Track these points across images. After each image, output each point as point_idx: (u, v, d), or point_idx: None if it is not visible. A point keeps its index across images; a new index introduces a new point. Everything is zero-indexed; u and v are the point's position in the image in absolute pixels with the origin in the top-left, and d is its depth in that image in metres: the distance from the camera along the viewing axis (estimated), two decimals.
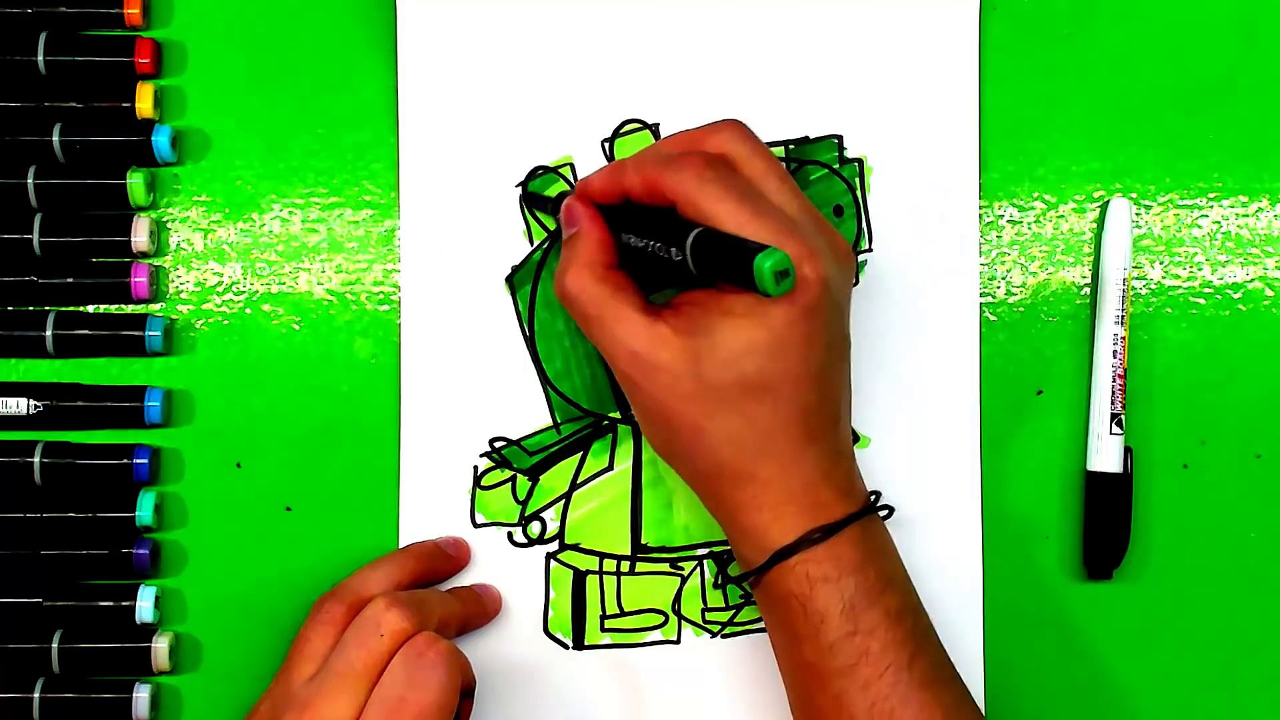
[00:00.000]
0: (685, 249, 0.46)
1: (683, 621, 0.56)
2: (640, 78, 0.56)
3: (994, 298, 0.57)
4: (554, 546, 0.56)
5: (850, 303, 0.50)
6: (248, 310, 0.56)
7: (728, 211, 0.46)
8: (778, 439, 0.48)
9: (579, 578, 0.56)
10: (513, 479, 0.56)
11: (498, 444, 0.56)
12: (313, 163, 0.56)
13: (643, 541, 0.56)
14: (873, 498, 0.50)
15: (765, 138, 0.56)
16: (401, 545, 0.55)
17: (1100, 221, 0.57)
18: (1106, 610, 0.56)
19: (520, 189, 0.56)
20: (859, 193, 0.56)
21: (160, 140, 0.55)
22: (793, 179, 0.49)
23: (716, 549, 0.56)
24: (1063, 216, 0.57)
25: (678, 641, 0.56)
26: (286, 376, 0.56)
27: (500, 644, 0.56)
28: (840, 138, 0.56)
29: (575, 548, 0.56)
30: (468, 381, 0.56)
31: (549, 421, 0.56)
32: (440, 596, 0.53)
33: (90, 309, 0.56)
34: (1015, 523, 0.56)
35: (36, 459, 0.54)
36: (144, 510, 0.55)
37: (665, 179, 0.48)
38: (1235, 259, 0.57)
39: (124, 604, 0.54)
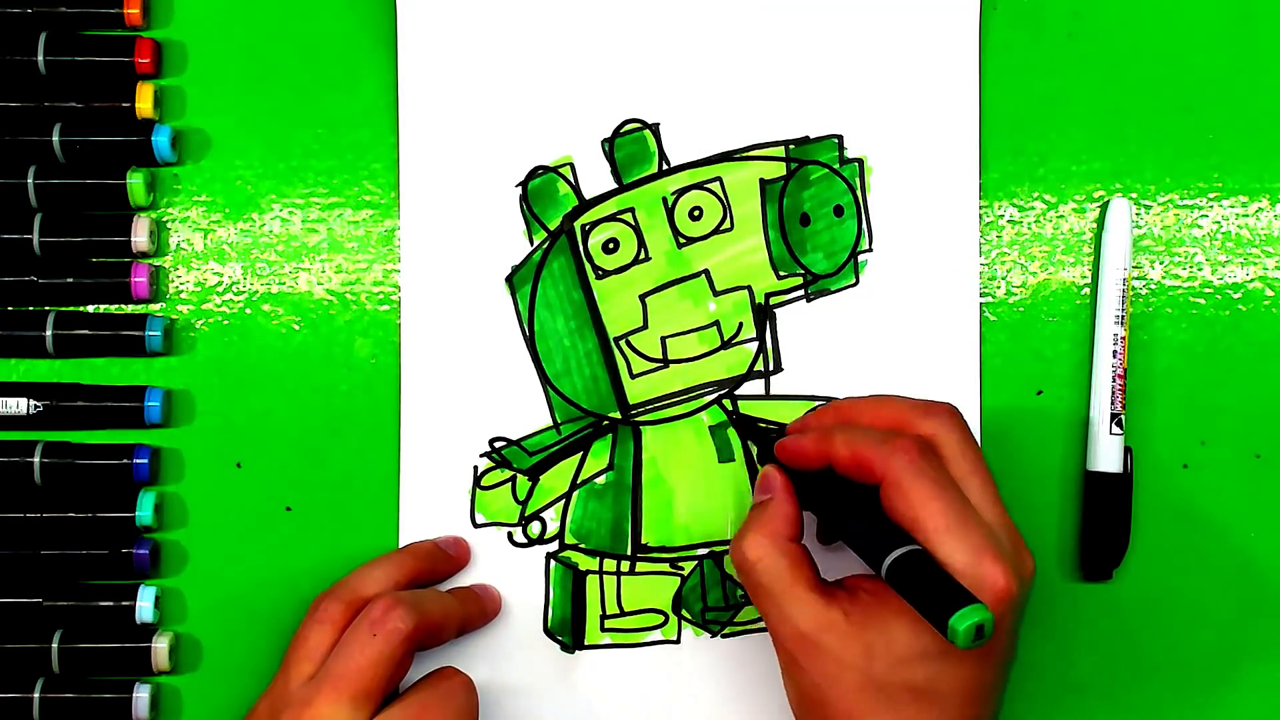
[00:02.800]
0: (881, 568, 0.45)
1: (683, 621, 0.56)
2: (640, 78, 0.56)
3: (994, 298, 0.57)
4: (554, 546, 0.56)
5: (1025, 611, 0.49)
6: (248, 310, 0.56)
7: (934, 513, 0.46)
8: None
9: (579, 578, 0.56)
10: (513, 479, 0.56)
11: (498, 444, 0.56)
12: (313, 163, 0.56)
13: (643, 541, 0.56)
14: None
15: (765, 138, 0.56)
16: (401, 545, 0.55)
17: (1100, 221, 0.57)
18: (1106, 610, 0.56)
19: (520, 190, 0.56)
20: (859, 193, 0.56)
21: (160, 140, 0.55)
22: (994, 481, 0.48)
23: (717, 549, 0.56)
24: (1063, 216, 0.57)
25: (678, 641, 0.56)
26: (286, 376, 0.56)
27: (500, 644, 0.56)
28: (840, 138, 0.56)
29: (575, 548, 0.56)
30: (468, 381, 0.56)
31: (549, 421, 0.56)
32: (440, 596, 0.53)
33: (90, 309, 0.56)
34: (1015, 523, 0.56)
35: (36, 459, 0.54)
36: (144, 510, 0.55)
37: (876, 460, 0.47)
38: (1235, 259, 0.57)
39: (124, 604, 0.54)
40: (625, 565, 0.56)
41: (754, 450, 0.56)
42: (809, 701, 0.48)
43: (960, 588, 0.44)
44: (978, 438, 0.56)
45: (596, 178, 0.56)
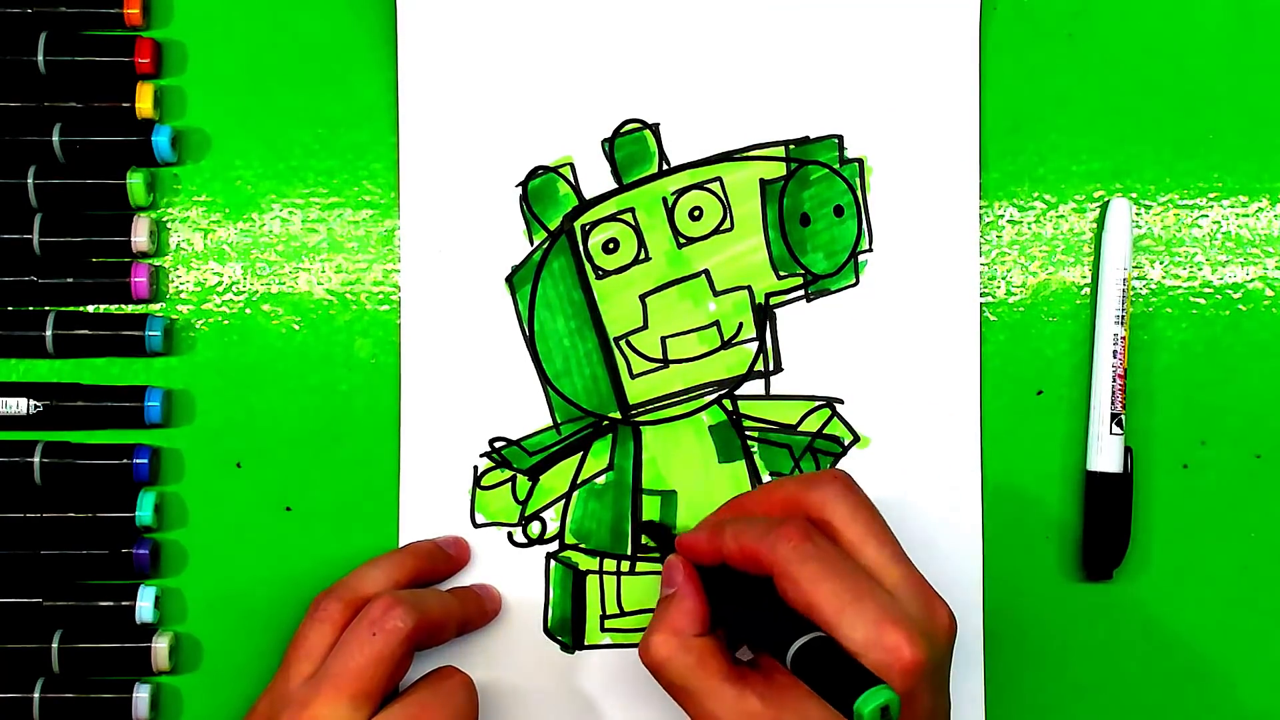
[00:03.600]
0: (786, 659, 0.45)
1: None
2: (640, 78, 0.56)
3: (994, 298, 0.57)
4: (554, 546, 0.56)
5: (949, 673, 0.48)
6: (248, 310, 0.56)
7: (826, 594, 0.45)
8: None
9: (579, 578, 0.56)
10: (513, 479, 0.56)
11: (498, 444, 0.56)
12: (313, 163, 0.56)
13: (643, 541, 0.56)
14: None
15: (765, 138, 0.56)
16: (401, 545, 0.55)
17: (1100, 221, 0.57)
18: (1106, 610, 0.56)
19: (520, 190, 0.56)
20: (859, 193, 0.56)
21: (160, 140, 0.55)
22: (893, 536, 0.48)
23: None
24: (1063, 216, 0.57)
25: None
26: (286, 376, 0.56)
27: (500, 644, 0.56)
28: (840, 138, 0.56)
29: (575, 548, 0.56)
30: (468, 381, 0.56)
31: (549, 421, 0.56)
32: (439, 596, 0.53)
33: (90, 309, 0.56)
34: (1015, 523, 0.56)
35: (36, 459, 0.54)
36: (144, 510, 0.55)
37: (763, 552, 0.47)
38: (1235, 259, 0.57)
39: (124, 604, 0.54)
40: (625, 565, 0.56)
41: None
42: None
43: (861, 671, 0.43)
44: (978, 437, 0.56)
45: (596, 178, 0.56)
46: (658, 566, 0.56)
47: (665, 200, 0.56)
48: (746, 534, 0.48)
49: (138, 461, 0.55)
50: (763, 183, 0.56)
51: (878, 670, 0.44)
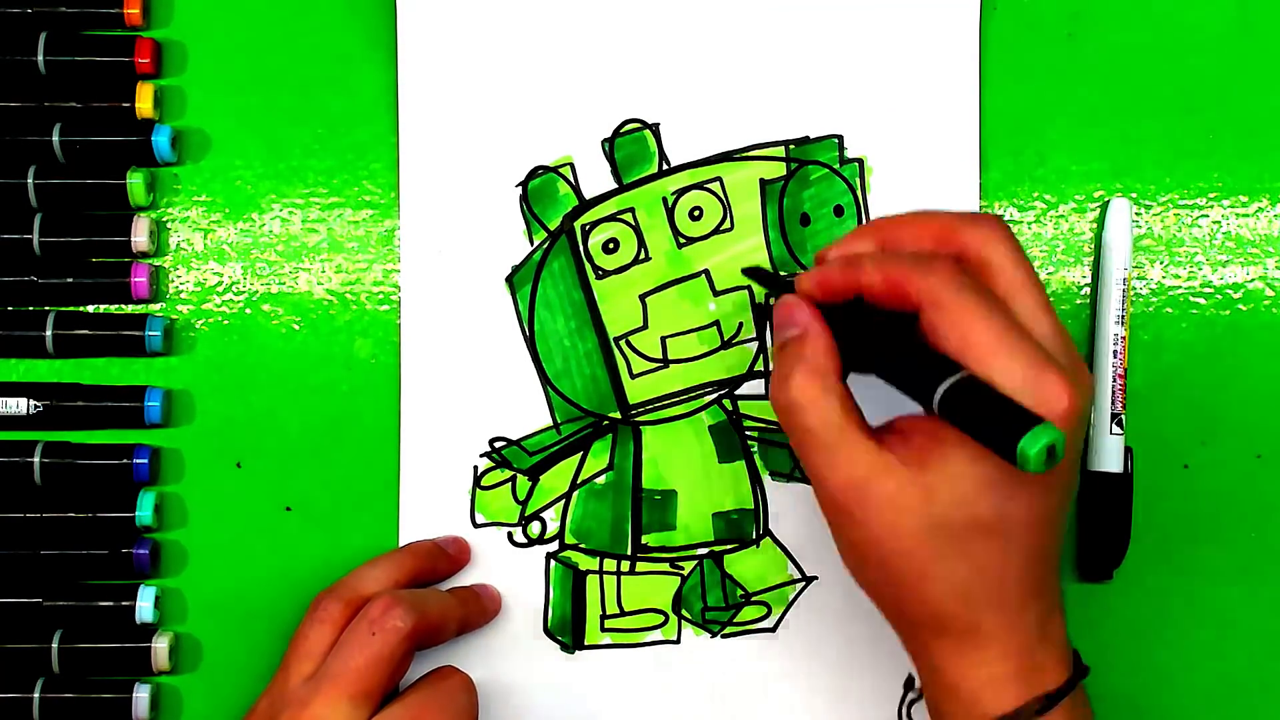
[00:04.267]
0: (933, 401, 0.41)
1: (683, 621, 0.56)
2: (640, 78, 0.56)
3: None
4: (554, 546, 0.56)
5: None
6: (248, 310, 0.56)
7: (981, 332, 0.42)
8: (1006, 589, 0.43)
9: (579, 578, 0.56)
10: (513, 479, 0.56)
11: (498, 444, 0.56)
12: (313, 163, 0.56)
13: (643, 541, 0.56)
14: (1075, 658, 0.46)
15: (765, 138, 0.56)
16: (401, 545, 0.55)
17: (1100, 221, 0.57)
18: (1106, 610, 0.56)
19: (520, 190, 0.56)
20: (859, 193, 0.56)
21: (160, 140, 0.55)
22: (1043, 288, 0.45)
23: (716, 549, 0.56)
24: (1063, 216, 0.57)
25: (678, 641, 0.56)
26: (286, 376, 0.56)
27: (500, 644, 0.56)
28: (840, 138, 0.56)
29: (575, 548, 0.56)
30: (468, 381, 0.56)
31: (549, 421, 0.56)
32: (439, 595, 0.53)
33: (90, 309, 0.56)
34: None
35: (36, 459, 0.54)
36: (144, 510, 0.55)
37: (912, 281, 0.43)
38: (1235, 259, 0.57)
39: (124, 604, 0.54)
40: (625, 565, 0.56)
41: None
42: (866, 555, 0.44)
43: (1023, 410, 0.40)
44: None
45: (596, 178, 0.56)
46: (658, 566, 0.56)
47: (665, 200, 0.56)
48: (895, 265, 0.44)
49: (138, 461, 0.55)
50: (763, 183, 0.56)
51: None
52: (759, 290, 0.56)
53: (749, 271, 0.54)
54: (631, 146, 0.56)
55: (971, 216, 0.46)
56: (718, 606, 0.56)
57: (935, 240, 0.45)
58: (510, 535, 0.56)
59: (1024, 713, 0.44)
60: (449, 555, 0.55)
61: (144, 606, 0.54)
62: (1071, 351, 0.44)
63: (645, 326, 0.56)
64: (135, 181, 0.55)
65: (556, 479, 0.56)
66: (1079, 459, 0.45)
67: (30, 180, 0.55)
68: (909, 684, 0.52)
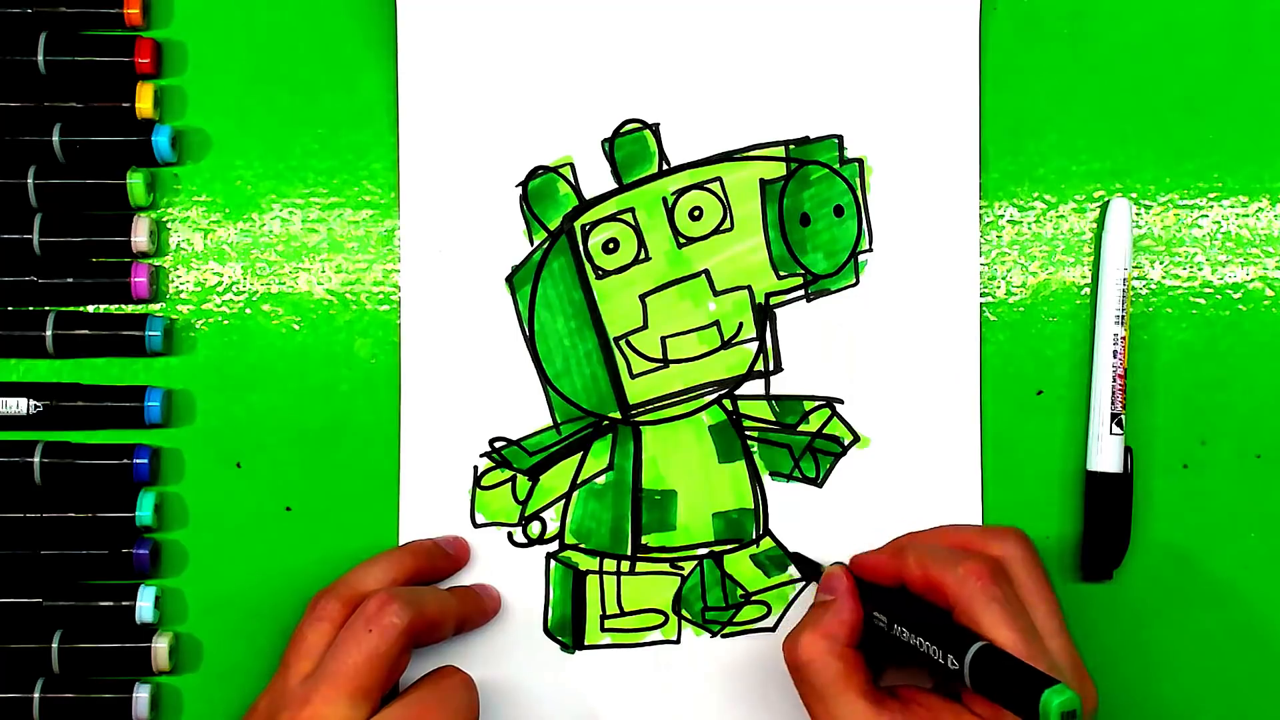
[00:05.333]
0: (964, 662, 0.45)
1: (683, 621, 0.56)
2: (640, 78, 0.56)
3: (994, 298, 0.57)
4: (554, 546, 0.56)
5: None
6: (248, 310, 0.56)
7: (1005, 639, 0.46)
8: None
9: (579, 578, 0.56)
10: (513, 479, 0.56)
11: (498, 444, 0.56)
12: (313, 163, 0.56)
13: (643, 541, 0.56)
14: None
15: (765, 138, 0.56)
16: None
17: (1100, 221, 0.57)
18: (1106, 610, 0.56)
19: (520, 190, 0.56)
20: (859, 193, 0.56)
21: (160, 140, 0.55)
22: (1060, 608, 0.49)
23: (716, 549, 0.56)
24: (1063, 216, 0.57)
25: (678, 641, 0.56)
26: (286, 376, 0.56)
27: (500, 644, 0.56)
28: (840, 138, 0.56)
29: (575, 548, 0.56)
30: (468, 381, 0.56)
31: (549, 421, 0.56)
32: (437, 593, 0.53)
33: (90, 309, 0.56)
34: (1015, 522, 0.56)
35: (36, 459, 0.54)
36: (144, 510, 0.55)
37: (948, 581, 0.48)
38: (1235, 259, 0.57)
39: (124, 604, 0.54)
40: (625, 565, 0.56)
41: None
42: None
43: (1041, 675, 0.43)
44: (978, 437, 0.56)
45: (596, 178, 0.56)
46: (658, 566, 0.56)
47: (665, 200, 0.56)
48: (933, 561, 0.49)
49: (138, 461, 0.55)
50: (763, 183, 0.56)
51: None
52: (759, 290, 0.56)
53: (793, 557, 0.56)
54: (631, 146, 0.56)
55: (993, 530, 0.52)
56: (718, 606, 0.56)
57: (965, 547, 0.51)
58: (510, 535, 0.56)
59: None
60: (449, 554, 0.55)
61: (144, 606, 0.54)
62: (1079, 670, 0.49)
63: (645, 326, 0.56)
64: (135, 181, 0.55)
65: (556, 479, 0.56)
66: None
67: (30, 180, 0.55)
68: None
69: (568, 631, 0.56)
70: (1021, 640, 0.46)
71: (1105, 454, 0.55)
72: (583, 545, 0.56)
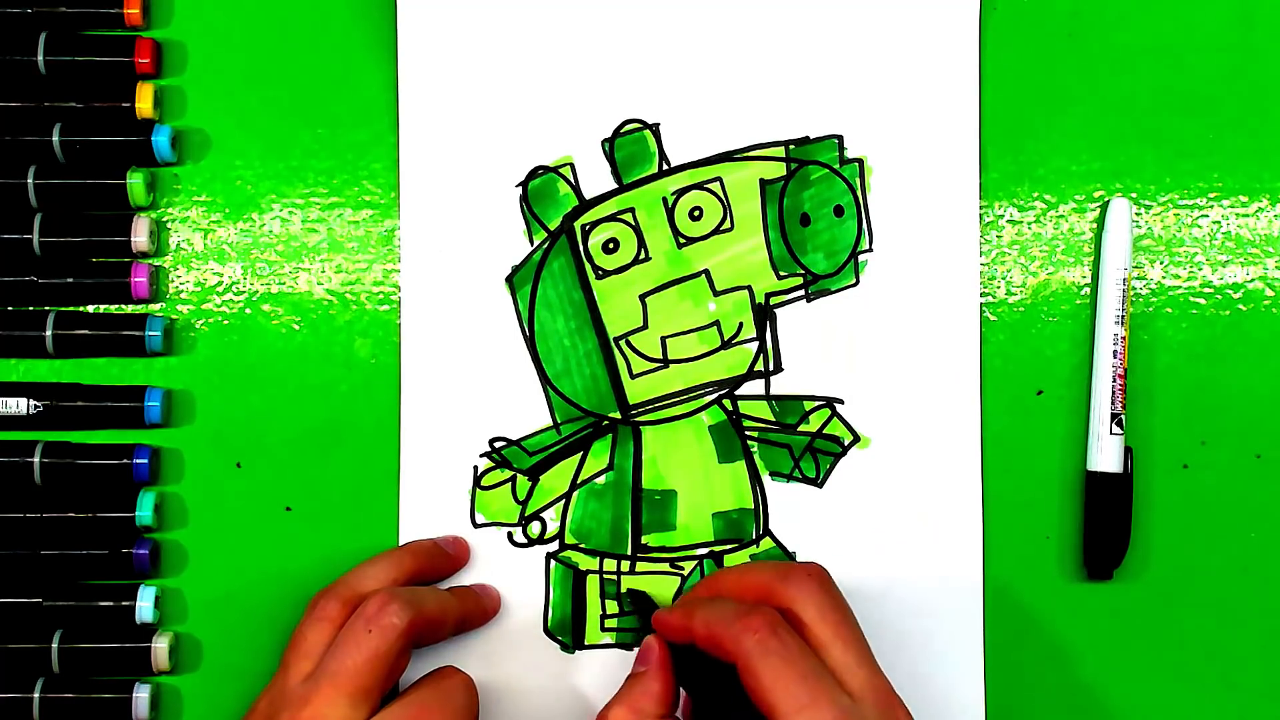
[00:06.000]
0: None
1: None
2: (640, 78, 0.56)
3: (994, 298, 0.57)
4: (554, 546, 0.56)
5: None
6: (248, 310, 0.56)
7: (784, 695, 0.45)
8: None
9: (579, 578, 0.56)
10: (513, 479, 0.56)
11: (498, 444, 0.56)
12: (313, 163, 0.56)
13: (643, 541, 0.56)
14: None
15: (765, 138, 0.56)
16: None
17: (1100, 221, 0.57)
18: (1106, 610, 0.56)
19: (520, 190, 0.56)
20: (859, 193, 0.56)
21: (160, 140, 0.55)
22: (864, 639, 0.48)
23: (716, 549, 0.56)
24: (1063, 216, 0.57)
25: None
26: (286, 376, 0.56)
27: (500, 644, 0.56)
28: (840, 138, 0.56)
29: (575, 548, 0.56)
30: (468, 381, 0.56)
31: (549, 421, 0.56)
32: (436, 593, 0.53)
33: (90, 309, 0.56)
34: (1015, 523, 0.56)
35: (36, 459, 0.54)
36: (144, 510, 0.55)
37: (727, 640, 0.47)
38: (1235, 259, 0.57)
39: (124, 604, 0.54)
40: (625, 565, 0.56)
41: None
42: None
43: None
44: (978, 437, 0.56)
45: (596, 178, 0.56)
46: (658, 566, 0.56)
47: (665, 200, 0.56)
48: (716, 620, 0.48)
49: (138, 461, 0.55)
50: (763, 183, 0.56)
51: None
52: (759, 290, 0.56)
53: (630, 595, 0.56)
54: (631, 146, 0.56)
55: (788, 570, 0.49)
56: None
57: (758, 596, 0.49)
58: (510, 535, 0.56)
59: None
60: (449, 554, 0.55)
61: (144, 606, 0.55)
62: (885, 702, 0.47)
63: (645, 326, 0.56)
64: (135, 181, 0.55)
65: (556, 479, 0.56)
66: None
67: (30, 180, 0.55)
68: None
69: (568, 631, 0.56)
70: (801, 690, 0.45)
71: (1105, 454, 0.55)
72: (583, 545, 0.56)
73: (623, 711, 0.49)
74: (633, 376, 0.56)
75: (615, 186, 0.56)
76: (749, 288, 0.56)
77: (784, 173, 0.56)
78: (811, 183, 0.56)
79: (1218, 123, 0.57)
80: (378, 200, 0.56)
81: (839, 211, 0.56)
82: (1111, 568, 0.56)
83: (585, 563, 0.56)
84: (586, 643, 0.56)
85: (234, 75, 0.56)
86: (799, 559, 0.56)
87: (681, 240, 0.56)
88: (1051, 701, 0.56)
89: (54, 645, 0.54)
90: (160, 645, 0.55)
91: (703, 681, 0.49)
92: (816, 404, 0.56)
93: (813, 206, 0.56)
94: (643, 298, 0.56)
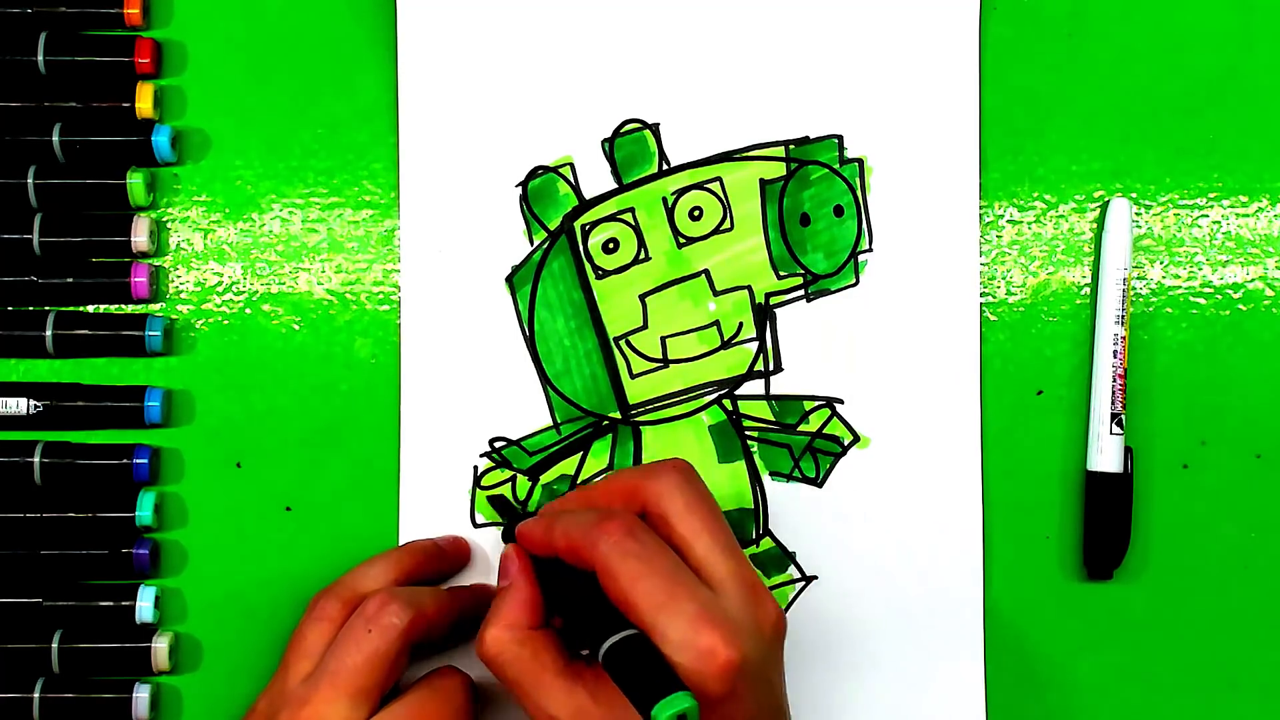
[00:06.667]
0: (599, 654, 0.44)
1: None
2: (640, 78, 0.56)
3: (994, 298, 0.57)
4: None
5: (783, 670, 0.48)
6: (248, 310, 0.56)
7: (643, 592, 0.45)
8: None
9: None
10: (513, 479, 0.56)
11: (498, 444, 0.56)
12: (313, 163, 0.56)
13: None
14: None
15: (765, 138, 0.56)
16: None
17: (1100, 221, 0.57)
18: (1106, 610, 0.56)
19: (520, 190, 0.56)
20: (859, 193, 0.56)
21: (160, 140, 0.55)
22: (729, 531, 0.48)
23: None
24: (1063, 216, 0.57)
25: None
26: (286, 376, 0.56)
27: None
28: (840, 138, 0.56)
29: None
30: (468, 381, 0.56)
31: (549, 421, 0.56)
32: (436, 593, 0.53)
33: (90, 309, 0.56)
34: (1015, 523, 0.56)
35: (36, 459, 0.54)
36: (144, 510, 0.55)
37: (583, 547, 0.46)
38: (1235, 259, 0.57)
39: (124, 604, 0.54)
40: None
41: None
42: None
43: (667, 674, 0.43)
44: (978, 437, 0.56)
45: (596, 178, 0.56)
46: None
47: (665, 200, 0.56)
48: (573, 528, 0.47)
49: (138, 461, 0.55)
50: (763, 183, 0.56)
51: (692, 671, 0.43)
52: (759, 290, 0.56)
53: (494, 501, 0.55)
54: (631, 146, 0.56)
55: (651, 470, 0.49)
56: None
57: (624, 499, 0.49)
58: None
59: None
60: (448, 554, 0.55)
61: (144, 606, 0.54)
62: (751, 593, 0.46)
63: (645, 326, 0.56)
64: (135, 181, 0.55)
65: (556, 479, 0.56)
66: (774, 699, 0.47)
67: (30, 180, 0.55)
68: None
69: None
70: (660, 588, 0.45)
71: (1105, 454, 0.55)
72: None
73: (497, 630, 0.48)
74: (633, 376, 0.56)
75: (615, 186, 0.56)
76: (749, 288, 0.56)
77: (784, 173, 0.56)
78: (811, 183, 0.56)
79: (1218, 123, 0.57)
80: (378, 200, 0.56)
81: (839, 211, 0.56)
82: (1111, 568, 0.56)
83: None
84: None
85: (234, 75, 0.56)
86: (799, 559, 0.56)
87: (681, 240, 0.56)
88: (1051, 701, 0.56)
89: (54, 645, 0.54)
90: (160, 645, 0.55)
91: (568, 594, 0.48)
92: (816, 404, 0.56)
93: (813, 206, 0.56)
94: (643, 298, 0.56)
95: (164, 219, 0.56)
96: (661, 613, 0.44)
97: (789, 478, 0.56)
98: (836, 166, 0.56)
